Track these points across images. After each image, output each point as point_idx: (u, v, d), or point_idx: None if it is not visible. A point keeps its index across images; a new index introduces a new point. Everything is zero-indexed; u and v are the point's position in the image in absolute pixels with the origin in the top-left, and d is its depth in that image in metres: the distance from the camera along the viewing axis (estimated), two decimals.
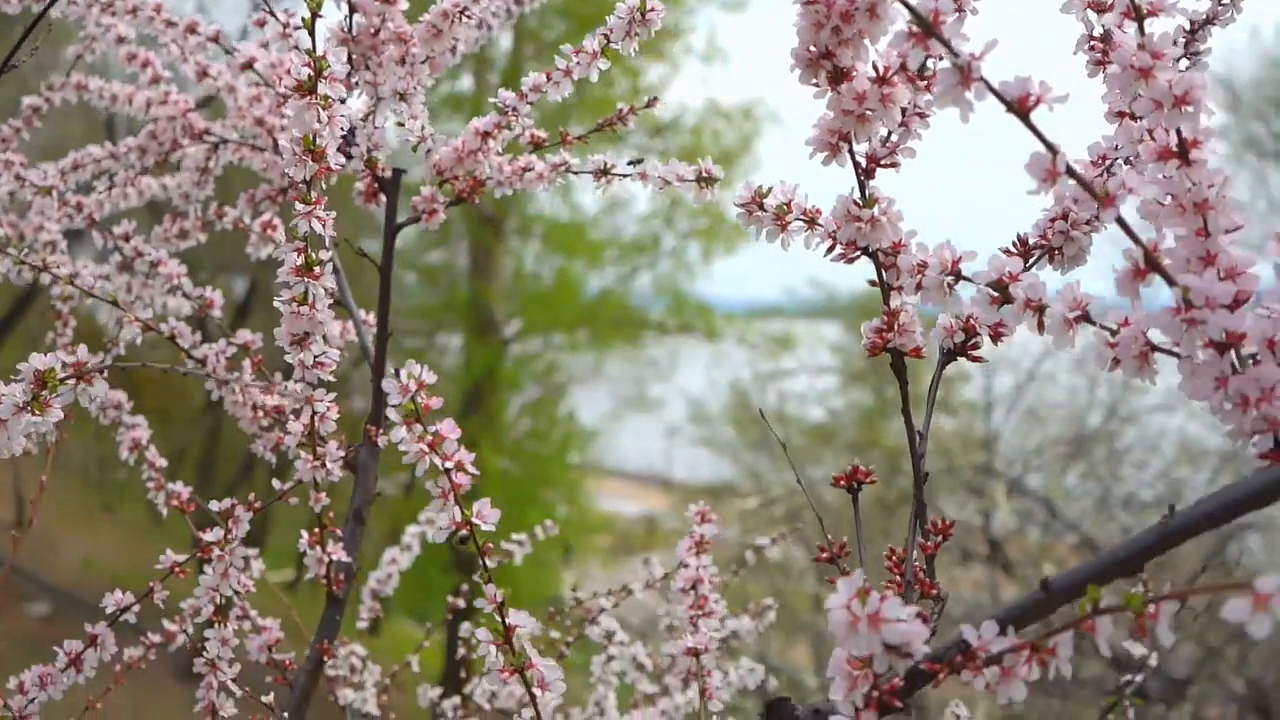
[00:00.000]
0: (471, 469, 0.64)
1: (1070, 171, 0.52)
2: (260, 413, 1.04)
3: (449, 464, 0.64)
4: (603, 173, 0.97)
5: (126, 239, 1.14)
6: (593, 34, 0.90)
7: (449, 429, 0.64)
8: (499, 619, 0.66)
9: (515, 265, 11.88)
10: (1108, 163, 0.72)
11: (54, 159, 1.24)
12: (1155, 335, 0.57)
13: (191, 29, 1.10)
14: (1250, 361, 0.54)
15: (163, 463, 1.11)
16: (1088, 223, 0.69)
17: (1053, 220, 0.71)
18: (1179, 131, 0.55)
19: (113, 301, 0.99)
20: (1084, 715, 6.06)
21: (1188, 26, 0.76)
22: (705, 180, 0.85)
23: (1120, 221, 0.52)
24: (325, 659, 1.01)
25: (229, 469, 9.81)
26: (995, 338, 0.70)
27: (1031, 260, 0.71)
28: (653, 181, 0.90)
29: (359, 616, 1.48)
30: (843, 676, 0.55)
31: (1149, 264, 0.53)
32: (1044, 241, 0.71)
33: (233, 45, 1.10)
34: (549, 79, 0.93)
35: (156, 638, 1.15)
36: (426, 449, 0.63)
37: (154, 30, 1.10)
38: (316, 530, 0.98)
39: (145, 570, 1.12)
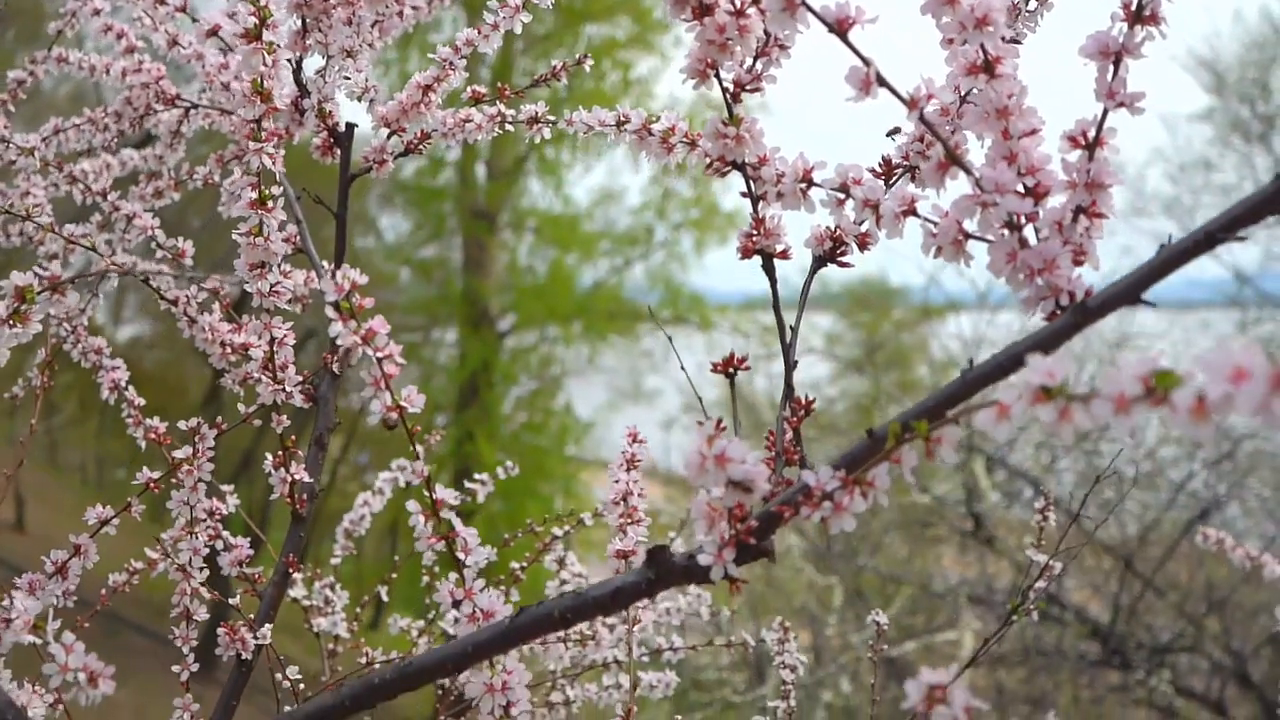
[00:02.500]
0: (399, 359, 0.74)
1: (880, 80, 0.61)
2: (228, 349, 1.13)
3: (380, 355, 0.73)
4: (534, 120, 1.07)
5: (104, 195, 1.23)
6: None
7: (380, 324, 0.73)
8: (427, 494, 0.76)
9: (509, 259, 11.97)
10: (962, 91, 0.81)
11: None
12: (969, 226, 0.66)
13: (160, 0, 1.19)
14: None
15: (141, 401, 1.21)
16: None
17: (913, 142, 0.80)
18: (983, 48, 0.64)
19: (90, 248, 1.08)
20: (1065, 688, 6.17)
21: None
22: (620, 124, 0.94)
23: (923, 121, 0.62)
24: (291, 572, 1.11)
25: (227, 466, 9.95)
26: (862, 246, 0.79)
27: (895, 177, 0.81)
28: (577, 128, 0.99)
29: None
30: (703, 518, 0.64)
31: (950, 158, 0.62)
32: (905, 161, 0.80)
33: (198, 15, 1.20)
34: (479, 32, 1.03)
35: (139, 564, 1.24)
36: (360, 341, 0.73)
37: (125, 1, 1.19)
38: (280, 452, 1.07)
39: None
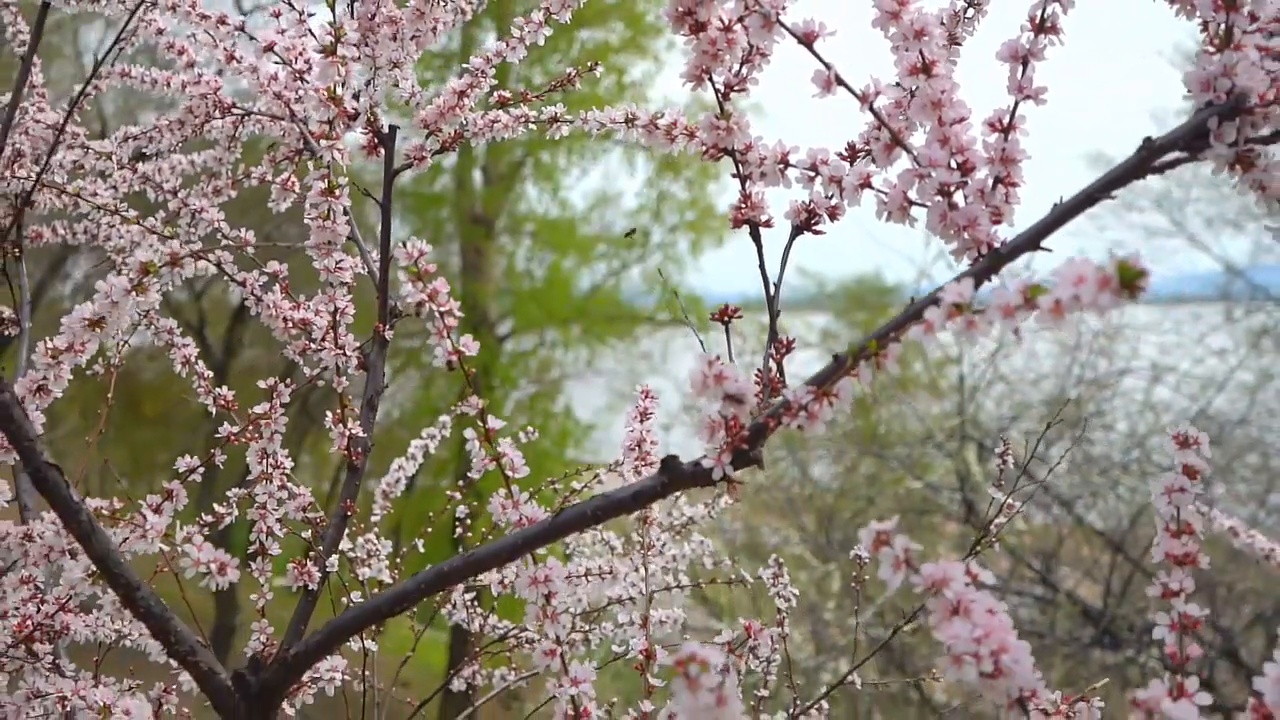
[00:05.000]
0: (458, 313, 0.91)
1: (839, 80, 0.78)
2: (289, 324, 1.30)
3: (442, 309, 0.90)
4: (554, 120, 1.24)
5: (174, 193, 1.40)
6: (537, 7, 1.17)
7: (442, 285, 0.90)
8: (481, 424, 0.93)
9: (507, 264, 12.14)
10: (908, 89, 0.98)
11: None
12: (912, 194, 0.83)
13: (221, 21, 1.36)
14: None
15: (210, 374, 1.38)
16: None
17: (870, 130, 0.97)
18: (922, 54, 0.82)
19: (172, 236, 1.25)
20: (1058, 669, 6.34)
21: None
22: (629, 121, 1.11)
23: (873, 112, 0.79)
24: (349, 515, 1.28)
25: (230, 475, 10.09)
26: (832, 217, 0.96)
27: (859, 160, 0.98)
28: (592, 126, 1.16)
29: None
30: (706, 427, 0.81)
31: (894, 141, 0.79)
32: (866, 147, 0.97)
33: (254, 33, 1.37)
34: (507, 45, 1.20)
35: (209, 517, 1.41)
36: (427, 299, 0.90)
37: (190, 23, 1.36)
38: (339, 410, 1.24)
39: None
